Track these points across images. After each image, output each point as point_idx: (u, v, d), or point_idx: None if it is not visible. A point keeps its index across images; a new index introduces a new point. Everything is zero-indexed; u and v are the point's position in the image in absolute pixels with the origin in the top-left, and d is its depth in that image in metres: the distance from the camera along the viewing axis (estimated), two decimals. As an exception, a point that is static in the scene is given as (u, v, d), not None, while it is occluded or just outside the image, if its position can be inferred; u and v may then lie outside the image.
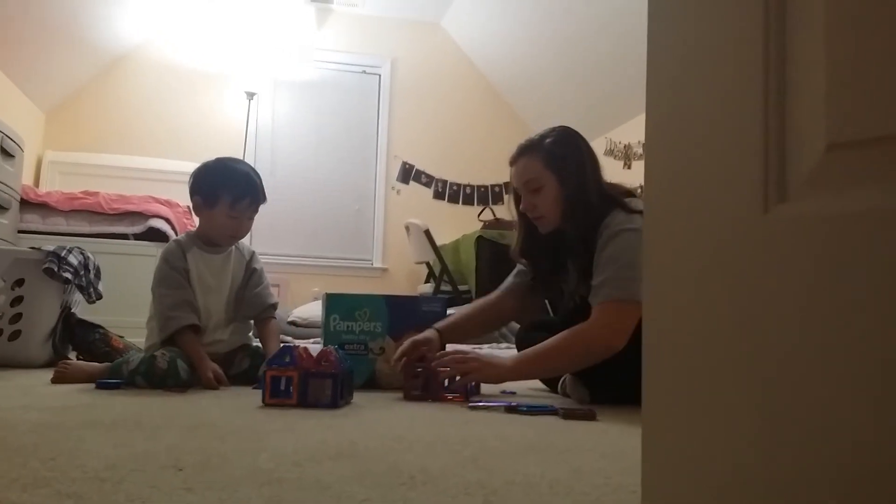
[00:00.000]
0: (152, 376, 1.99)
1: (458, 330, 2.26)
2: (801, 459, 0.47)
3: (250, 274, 2.40)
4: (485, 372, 1.98)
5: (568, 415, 1.66)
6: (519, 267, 2.33)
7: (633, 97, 4.93)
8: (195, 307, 2.22)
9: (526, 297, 2.33)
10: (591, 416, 1.65)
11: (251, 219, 2.34)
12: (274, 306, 2.42)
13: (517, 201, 2.18)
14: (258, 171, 2.38)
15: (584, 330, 1.89)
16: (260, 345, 2.40)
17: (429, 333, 2.19)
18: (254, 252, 2.46)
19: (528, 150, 2.10)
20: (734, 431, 0.53)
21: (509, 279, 2.35)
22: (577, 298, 2.14)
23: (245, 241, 2.44)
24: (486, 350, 2.72)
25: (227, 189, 2.25)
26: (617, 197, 2.04)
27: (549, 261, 2.20)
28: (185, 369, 2.04)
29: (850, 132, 0.47)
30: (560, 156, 2.05)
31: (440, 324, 2.25)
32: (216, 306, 2.29)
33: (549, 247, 2.17)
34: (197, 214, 2.35)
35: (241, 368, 2.28)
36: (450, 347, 2.29)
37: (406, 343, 2.11)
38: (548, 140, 2.08)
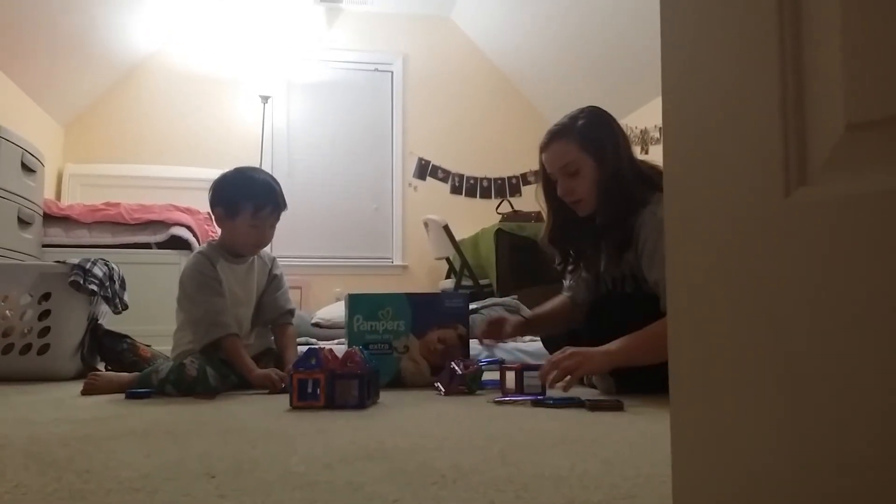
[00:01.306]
0: (182, 384, 2.01)
1: (547, 322, 2.31)
2: (827, 443, 0.47)
3: (272, 280, 2.41)
4: (594, 362, 1.84)
5: (595, 406, 1.65)
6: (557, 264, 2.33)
7: (647, 81, 4.89)
8: (233, 316, 2.23)
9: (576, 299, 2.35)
10: (618, 407, 1.64)
11: (273, 226, 2.34)
12: (291, 312, 2.43)
13: (547, 186, 2.16)
14: (276, 178, 2.38)
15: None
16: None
17: (513, 318, 2.22)
18: (274, 258, 2.48)
19: (561, 134, 2.07)
20: (761, 417, 0.52)
21: (568, 281, 2.35)
22: (608, 282, 2.13)
23: (266, 247, 2.45)
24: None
25: (248, 198, 2.26)
26: (654, 177, 2.02)
27: (582, 245, 2.19)
28: (214, 376, 2.06)
29: (869, 112, 0.47)
30: (595, 138, 2.03)
31: (528, 313, 2.28)
32: (245, 315, 2.31)
33: (582, 231, 2.15)
34: (219, 226, 2.36)
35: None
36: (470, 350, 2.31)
37: (485, 322, 2.13)
38: (580, 122, 2.06)
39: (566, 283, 2.35)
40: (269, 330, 2.42)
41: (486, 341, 2.43)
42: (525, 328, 2.36)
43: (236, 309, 2.27)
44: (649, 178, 2.00)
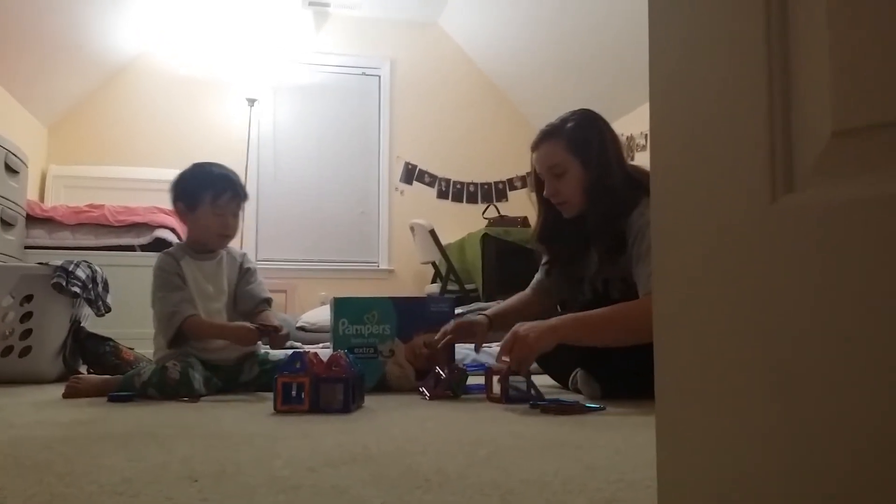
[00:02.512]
0: (165, 387, 1.99)
1: (507, 317, 2.27)
2: (815, 449, 0.47)
3: (244, 273, 2.41)
4: (542, 342, 1.85)
5: (546, 409, 1.69)
6: (544, 263, 2.34)
7: (634, 88, 4.92)
8: (195, 305, 2.22)
9: (544, 296, 2.33)
10: (571, 411, 1.66)
11: (236, 216, 2.35)
12: (268, 301, 2.42)
13: (539, 187, 2.17)
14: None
15: (643, 306, 1.78)
16: (267, 351, 2.41)
17: (477, 318, 2.21)
18: (245, 254, 2.49)
19: (550, 135, 2.09)
20: (748, 422, 0.52)
21: (538, 275, 2.36)
22: (598, 285, 2.14)
23: (248, 248, 2.45)
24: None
25: (207, 187, 2.27)
26: (643, 180, 2.02)
27: (571, 246, 2.19)
28: (198, 379, 2.05)
29: (856, 119, 0.47)
30: (582, 139, 2.05)
31: (489, 311, 2.27)
32: (216, 311, 2.29)
33: (572, 232, 2.15)
34: (183, 222, 2.39)
35: (251, 376, 2.28)
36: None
37: (450, 323, 2.11)
38: (569, 124, 2.08)
39: (536, 277, 2.35)
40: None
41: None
42: (490, 327, 2.29)
43: (206, 304, 2.26)
44: (639, 182, 2.01)
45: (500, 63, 6.42)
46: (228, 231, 2.34)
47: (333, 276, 6.13)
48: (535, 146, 2.13)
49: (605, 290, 2.09)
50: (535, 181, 2.19)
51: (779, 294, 0.50)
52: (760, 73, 0.52)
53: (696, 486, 0.57)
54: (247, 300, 2.38)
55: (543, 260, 2.31)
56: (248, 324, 2.18)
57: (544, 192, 2.12)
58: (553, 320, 1.90)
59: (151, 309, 2.28)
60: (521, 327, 1.88)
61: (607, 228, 2.02)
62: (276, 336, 2.19)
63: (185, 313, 2.17)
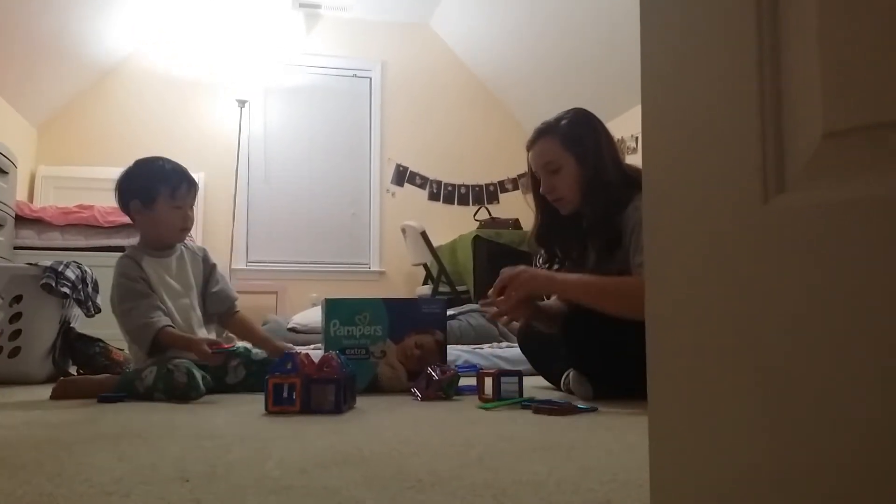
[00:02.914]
0: (173, 391, 1.97)
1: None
2: (806, 450, 0.47)
3: (210, 271, 2.40)
4: (536, 282, 1.99)
5: (539, 410, 1.70)
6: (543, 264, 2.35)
7: (625, 91, 4.93)
8: (164, 311, 2.20)
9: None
10: (563, 412, 1.67)
11: (192, 207, 2.33)
12: (236, 299, 2.44)
13: (535, 185, 2.19)
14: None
15: (639, 283, 1.83)
16: (248, 347, 2.37)
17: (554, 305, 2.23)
18: (205, 248, 2.48)
19: (545, 133, 2.13)
20: (739, 423, 0.53)
21: None
22: None
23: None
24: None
25: (162, 182, 2.25)
26: (638, 178, 2.03)
27: (568, 245, 2.21)
28: (203, 377, 2.03)
29: (847, 120, 0.47)
30: (577, 136, 2.08)
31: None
32: (187, 307, 2.27)
33: (569, 230, 2.17)
34: (139, 220, 2.31)
35: (238, 378, 2.26)
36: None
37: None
38: (563, 122, 2.12)
39: None
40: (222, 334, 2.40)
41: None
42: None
43: (175, 301, 2.24)
44: (633, 179, 2.03)
45: (490, 65, 6.43)
46: (188, 224, 2.32)
47: (324, 278, 6.13)
48: (531, 144, 2.16)
49: None
50: (532, 181, 2.21)
51: (771, 294, 0.51)
52: (751, 74, 0.53)
53: (689, 487, 0.57)
54: (219, 303, 2.38)
55: (541, 261, 2.33)
56: (208, 346, 2.09)
57: (541, 190, 2.14)
58: (553, 273, 2.02)
59: (114, 315, 2.23)
60: (514, 269, 1.97)
61: (604, 223, 2.04)
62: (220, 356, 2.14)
63: (158, 325, 2.13)
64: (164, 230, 2.28)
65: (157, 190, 2.24)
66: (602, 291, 1.92)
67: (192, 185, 2.30)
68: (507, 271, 2.02)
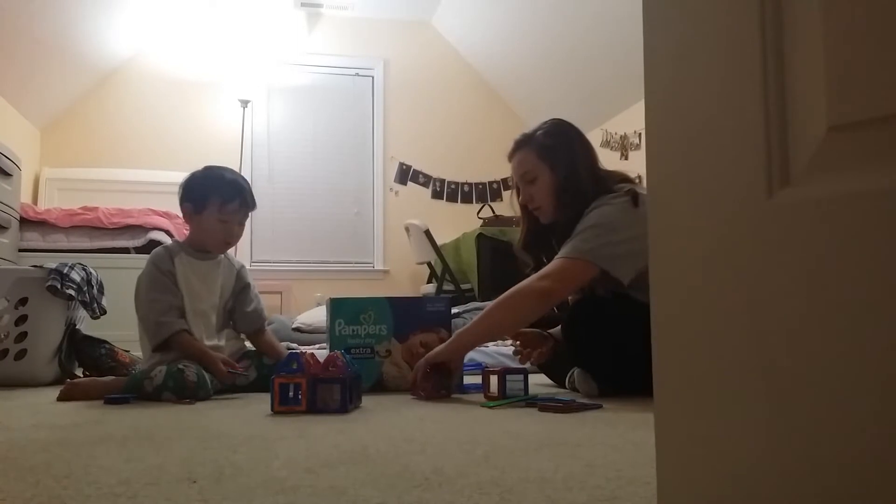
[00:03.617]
0: (183, 390, 1.98)
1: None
2: (811, 446, 0.47)
3: (242, 287, 2.39)
4: (443, 362, 2.04)
5: (545, 407, 1.70)
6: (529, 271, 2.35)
7: (627, 87, 4.93)
8: (183, 312, 2.21)
9: None
10: (566, 409, 1.66)
11: (242, 224, 2.34)
12: (266, 319, 2.46)
13: (518, 195, 2.23)
14: (253, 182, 2.38)
15: (522, 283, 1.99)
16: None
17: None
18: (243, 265, 2.47)
19: (523, 144, 2.18)
20: (745, 419, 0.52)
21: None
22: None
23: (243, 250, 2.44)
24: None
25: (216, 192, 2.26)
26: (607, 182, 2.09)
27: (553, 252, 2.21)
28: (211, 378, 2.05)
29: (851, 113, 0.47)
30: (551, 146, 2.12)
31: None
32: (205, 311, 2.27)
33: (552, 238, 2.19)
34: (188, 222, 2.36)
35: (249, 380, 2.27)
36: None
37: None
38: (539, 132, 2.16)
39: None
40: (238, 340, 2.41)
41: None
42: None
43: (195, 304, 2.24)
44: (607, 185, 2.07)
45: (493, 62, 6.43)
46: (232, 239, 2.33)
47: (329, 277, 6.13)
48: (511, 155, 2.22)
49: (589, 287, 2.11)
50: (516, 189, 2.26)
51: (775, 289, 0.51)
52: (756, 69, 0.53)
53: (695, 484, 0.57)
54: (250, 322, 2.37)
55: (529, 269, 2.33)
56: (222, 363, 2.14)
57: (520, 200, 2.21)
58: (452, 340, 2.08)
59: (135, 300, 2.25)
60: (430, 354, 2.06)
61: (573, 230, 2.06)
62: (233, 375, 2.17)
63: (175, 328, 2.15)
64: (207, 239, 2.30)
65: (208, 199, 2.26)
66: (489, 320, 2.01)
67: (245, 203, 2.31)
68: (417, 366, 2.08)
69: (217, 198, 2.25)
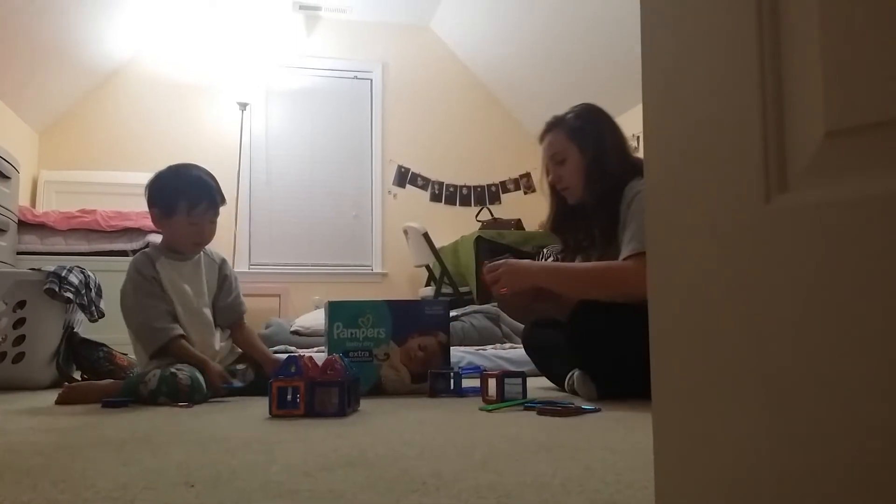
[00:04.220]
0: (177, 394, 1.98)
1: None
2: (809, 451, 0.47)
3: (223, 280, 2.39)
4: (515, 281, 2.13)
5: (543, 411, 1.69)
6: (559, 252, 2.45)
7: (625, 92, 4.92)
8: (175, 316, 2.20)
9: None
10: (566, 413, 1.66)
11: (213, 222, 2.32)
12: (244, 311, 2.44)
13: (548, 175, 2.30)
14: (212, 174, 2.36)
15: (622, 267, 1.99)
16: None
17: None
18: (224, 259, 2.46)
19: (553, 126, 2.26)
20: (744, 424, 0.52)
21: None
22: None
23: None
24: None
25: (183, 195, 2.25)
26: (637, 166, 2.13)
27: (580, 233, 2.30)
28: (206, 381, 2.05)
29: (849, 118, 0.47)
30: (580, 128, 2.20)
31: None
32: (195, 311, 2.26)
33: (579, 218, 2.26)
34: (158, 226, 2.35)
35: (247, 381, 2.27)
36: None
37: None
38: (570, 115, 2.25)
39: None
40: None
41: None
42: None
43: (186, 305, 2.24)
44: (637, 168, 2.11)
45: (491, 66, 6.43)
46: (203, 240, 2.31)
47: (327, 280, 6.13)
48: (541, 137, 2.28)
49: None
50: (545, 170, 2.31)
51: (773, 294, 0.51)
52: (753, 73, 0.53)
53: (694, 488, 0.57)
54: (228, 314, 2.37)
55: (558, 249, 2.41)
56: (219, 374, 2.13)
57: (550, 180, 2.27)
58: (536, 266, 2.18)
59: (122, 309, 2.24)
60: (520, 262, 2.16)
61: (602, 209, 2.12)
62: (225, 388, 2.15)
63: (171, 334, 2.14)
64: (179, 242, 2.29)
65: (176, 203, 2.25)
66: (583, 279, 2.07)
67: (212, 203, 2.29)
68: (512, 262, 2.16)
69: (184, 201, 2.24)
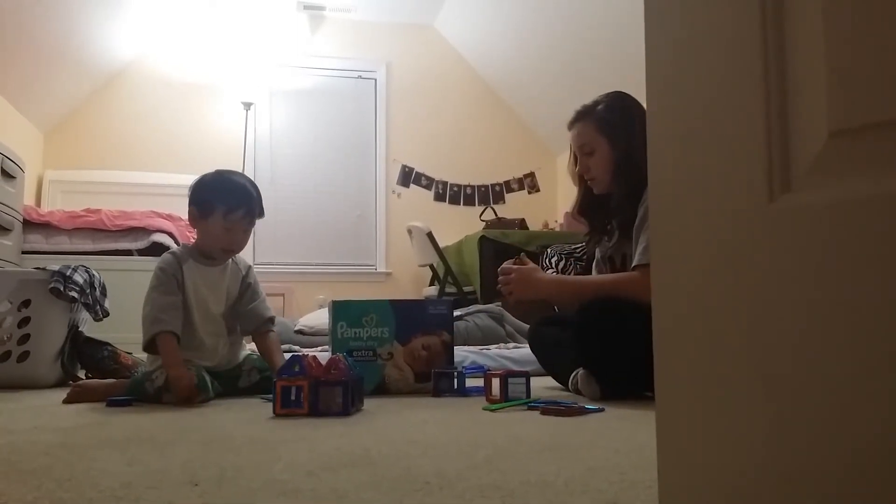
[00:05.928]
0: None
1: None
2: (812, 450, 0.47)
3: (245, 288, 2.36)
4: (523, 290, 2.20)
5: (546, 411, 1.69)
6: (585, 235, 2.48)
7: (631, 91, 4.92)
8: (180, 315, 2.19)
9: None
10: (569, 413, 1.66)
11: (247, 232, 2.30)
12: (272, 320, 2.37)
13: (575, 163, 2.31)
14: (258, 185, 2.36)
15: (630, 280, 2.02)
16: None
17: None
18: (250, 266, 2.43)
19: (583, 116, 2.25)
20: (747, 423, 0.52)
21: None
22: (617, 261, 2.24)
23: (246, 252, 2.41)
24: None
25: (222, 199, 2.23)
26: None
27: (601, 220, 2.33)
28: (212, 380, 2.04)
29: (853, 118, 0.47)
30: (610, 120, 2.19)
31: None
32: (209, 318, 2.26)
33: (604, 206, 2.27)
34: (193, 226, 2.34)
35: (251, 381, 2.27)
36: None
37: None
38: (600, 106, 2.23)
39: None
40: (241, 342, 2.39)
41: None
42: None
43: (203, 309, 2.23)
44: None
45: (495, 65, 6.43)
46: (234, 247, 2.29)
47: (331, 280, 6.13)
48: (570, 126, 2.29)
49: (622, 266, 2.19)
50: (573, 157, 2.32)
51: (777, 293, 0.50)
52: (757, 74, 0.53)
53: (697, 488, 0.57)
54: (251, 319, 2.32)
55: (584, 233, 2.45)
56: (186, 391, 2.01)
57: (577, 170, 2.28)
58: (546, 279, 2.23)
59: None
60: (533, 272, 2.23)
61: (627, 204, 2.13)
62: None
63: (164, 327, 2.11)
64: (210, 245, 2.27)
65: (214, 206, 2.23)
66: (592, 296, 2.08)
67: (250, 212, 2.27)
68: (527, 270, 2.23)
69: (222, 205, 2.23)
